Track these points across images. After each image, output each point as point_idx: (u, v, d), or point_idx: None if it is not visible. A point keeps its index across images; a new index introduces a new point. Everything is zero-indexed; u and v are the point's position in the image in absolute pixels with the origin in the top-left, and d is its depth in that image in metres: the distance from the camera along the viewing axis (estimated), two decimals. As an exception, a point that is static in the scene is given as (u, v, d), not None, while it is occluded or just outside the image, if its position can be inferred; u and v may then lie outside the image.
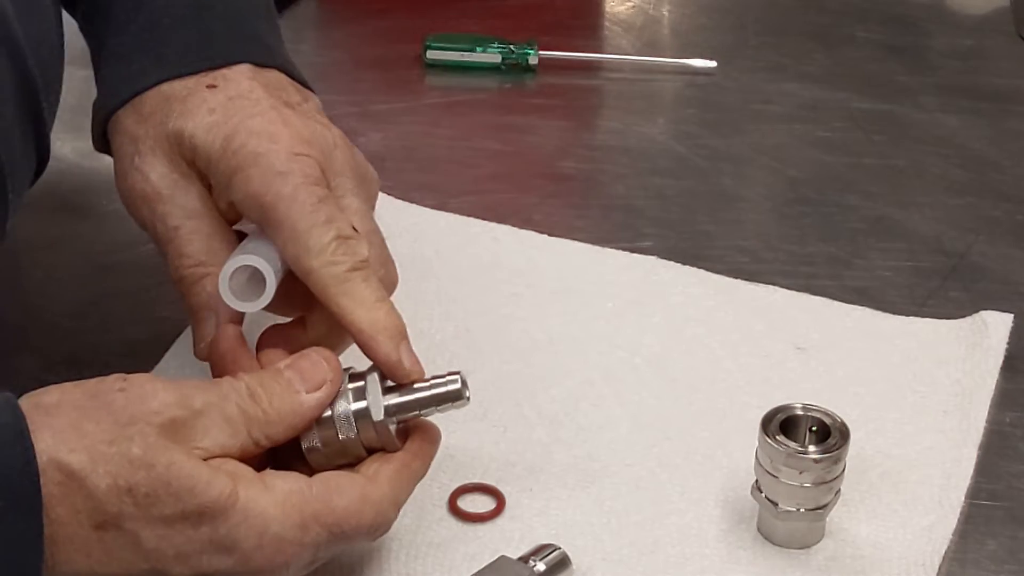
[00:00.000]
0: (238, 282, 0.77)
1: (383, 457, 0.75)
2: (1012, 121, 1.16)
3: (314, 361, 0.74)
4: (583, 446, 0.87)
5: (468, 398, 0.75)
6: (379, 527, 0.73)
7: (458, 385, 0.75)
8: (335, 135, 0.82)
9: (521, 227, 1.02)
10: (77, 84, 1.15)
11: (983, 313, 0.94)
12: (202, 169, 0.81)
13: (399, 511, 0.74)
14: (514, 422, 0.88)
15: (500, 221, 1.02)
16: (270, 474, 0.71)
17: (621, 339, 0.94)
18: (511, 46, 1.20)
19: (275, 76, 0.84)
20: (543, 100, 1.18)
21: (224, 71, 0.83)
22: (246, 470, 0.71)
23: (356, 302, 0.76)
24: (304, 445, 0.74)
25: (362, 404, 0.74)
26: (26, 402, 0.68)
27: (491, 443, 0.87)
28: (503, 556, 0.78)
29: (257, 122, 0.79)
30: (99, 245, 1.00)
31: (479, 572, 0.78)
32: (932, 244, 1.04)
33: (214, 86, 0.82)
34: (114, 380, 0.70)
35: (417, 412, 0.75)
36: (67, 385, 0.70)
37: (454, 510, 0.83)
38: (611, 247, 1.01)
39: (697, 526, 0.82)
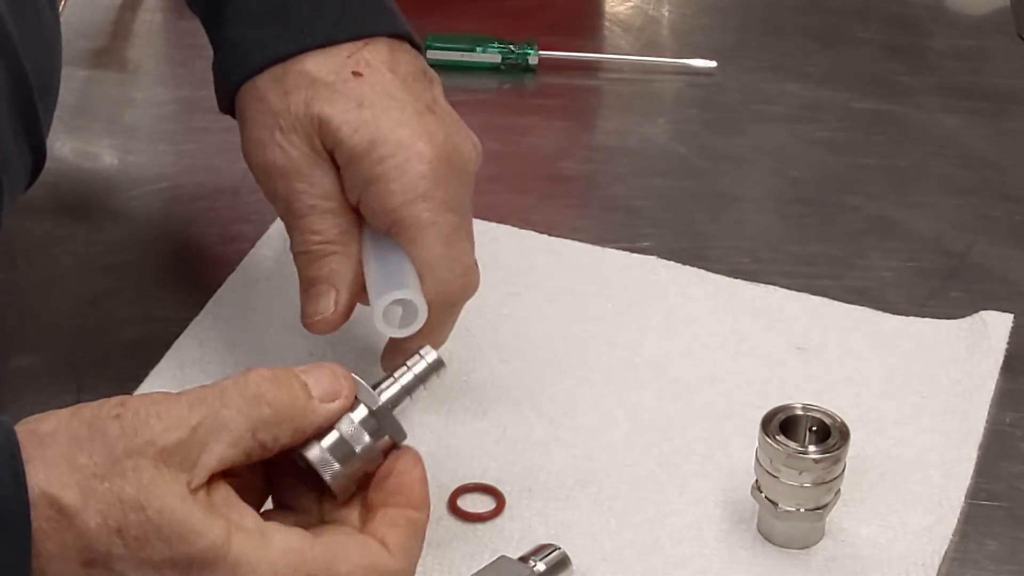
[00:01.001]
0: (389, 308, 0.80)
1: (389, 520, 0.71)
2: (1012, 121, 1.16)
3: (331, 373, 0.72)
4: (583, 446, 0.87)
5: (445, 364, 0.75)
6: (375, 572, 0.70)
7: (435, 355, 0.74)
8: (463, 136, 0.84)
9: (521, 227, 1.02)
10: (77, 84, 1.15)
11: (983, 313, 0.94)
12: (340, 161, 0.82)
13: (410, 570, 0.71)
14: (514, 422, 0.88)
15: (500, 221, 1.02)
16: (272, 527, 0.68)
17: (621, 339, 0.93)
18: (511, 46, 1.20)
19: (407, 59, 0.85)
20: (543, 100, 1.18)
21: (365, 53, 0.83)
22: (247, 517, 0.68)
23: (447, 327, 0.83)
24: (322, 470, 0.71)
25: (360, 407, 0.72)
26: (22, 428, 0.67)
27: (491, 443, 0.87)
28: (503, 556, 0.78)
29: (405, 133, 0.81)
30: (99, 245, 1.00)
31: (479, 572, 0.78)
32: (932, 244, 1.03)
33: (359, 74, 0.82)
34: (112, 406, 0.68)
35: (408, 395, 0.74)
36: (64, 412, 0.68)
37: (454, 510, 0.83)
38: (611, 247, 1.01)
39: (697, 526, 0.82)
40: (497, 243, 1.00)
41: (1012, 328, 0.93)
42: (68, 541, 0.66)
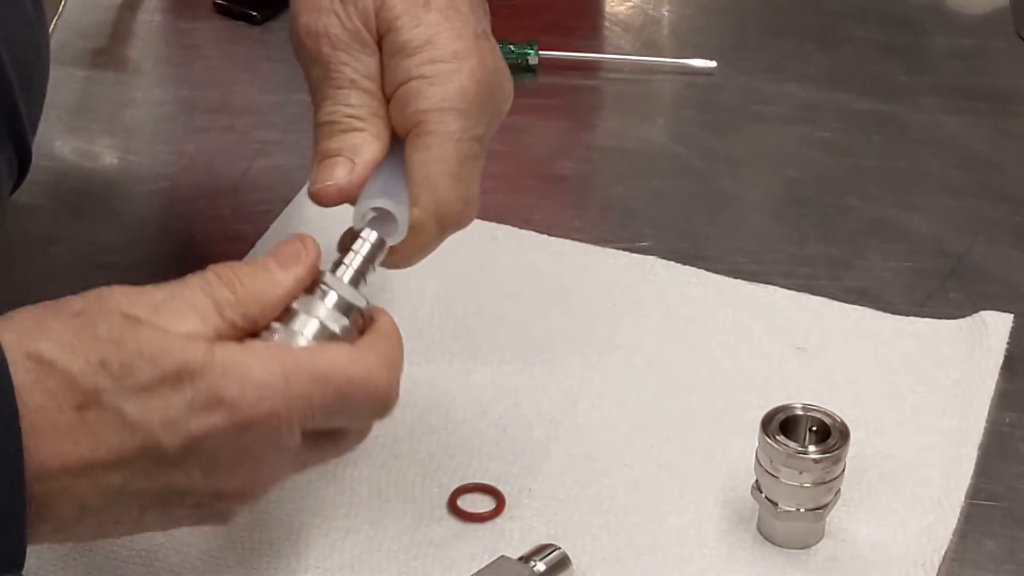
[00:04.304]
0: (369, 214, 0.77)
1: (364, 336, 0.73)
2: (1012, 121, 1.16)
3: (289, 243, 0.73)
4: (582, 446, 0.87)
5: (402, 231, 0.76)
6: (375, 390, 0.71)
7: (375, 235, 0.75)
8: (505, 74, 0.82)
9: (520, 227, 1.02)
10: (77, 84, 1.15)
11: (983, 313, 0.94)
12: (387, 50, 0.80)
13: (396, 379, 0.72)
14: (513, 422, 0.88)
15: (499, 221, 1.02)
16: (249, 340, 0.70)
17: (620, 339, 0.94)
18: (511, 46, 1.20)
19: None
20: (543, 100, 1.18)
21: None
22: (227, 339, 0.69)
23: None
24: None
25: (331, 293, 0.73)
26: None
27: (491, 443, 0.87)
28: (503, 556, 0.78)
29: (462, 46, 0.79)
30: (98, 245, 1.00)
31: (479, 572, 0.78)
32: (932, 245, 1.04)
33: None
34: (69, 297, 0.69)
35: (372, 264, 0.75)
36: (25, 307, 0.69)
37: (454, 510, 0.83)
38: (610, 247, 1.01)
39: (697, 526, 0.82)
40: (497, 243, 1.00)
41: (1012, 328, 0.93)
42: (53, 388, 0.66)
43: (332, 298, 0.72)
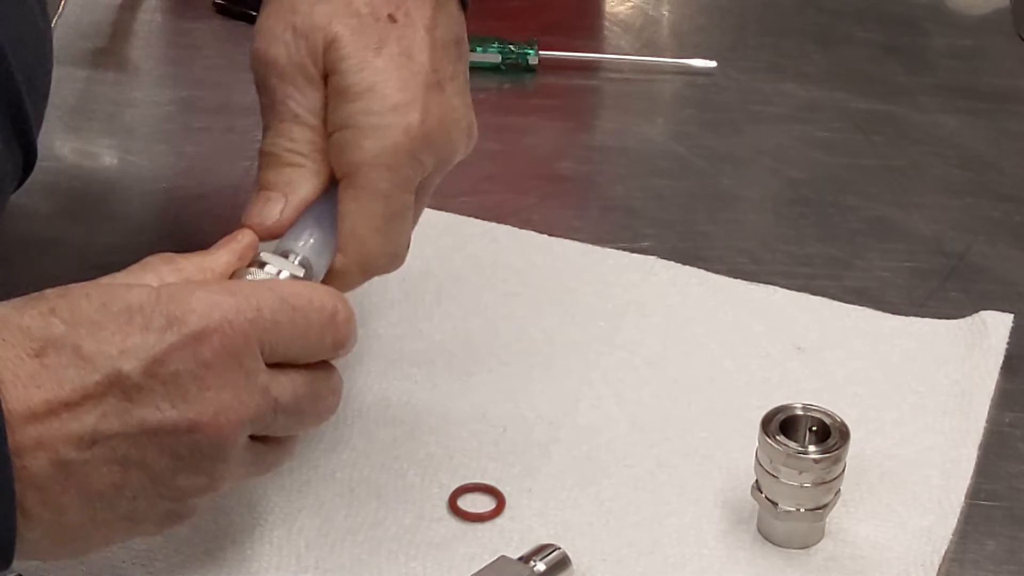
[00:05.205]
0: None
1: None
2: (1012, 121, 1.16)
3: (230, 235, 0.77)
4: (582, 446, 0.87)
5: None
6: (323, 306, 0.73)
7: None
8: (459, 124, 0.81)
9: (520, 227, 1.02)
10: (77, 84, 1.15)
11: (983, 313, 0.94)
12: (331, 89, 0.79)
13: (346, 303, 0.74)
14: (513, 422, 0.88)
15: (499, 221, 1.02)
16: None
17: (620, 339, 0.94)
18: (511, 46, 1.20)
19: (449, 23, 0.81)
20: (543, 100, 1.18)
21: (408, 2, 0.80)
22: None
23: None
24: None
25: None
26: None
27: (490, 443, 0.87)
28: (503, 556, 0.78)
29: (403, 99, 0.78)
30: (97, 246, 1.00)
31: (479, 572, 0.78)
32: (931, 245, 1.04)
33: (394, 20, 0.79)
34: None
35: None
36: None
37: (454, 510, 0.83)
38: (610, 247, 1.01)
39: (696, 526, 0.82)
40: (497, 243, 1.00)
41: (1012, 328, 0.93)
42: (9, 338, 0.67)
43: (271, 270, 0.75)
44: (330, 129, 0.79)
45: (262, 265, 0.75)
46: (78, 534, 0.69)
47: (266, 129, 0.80)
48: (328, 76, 0.79)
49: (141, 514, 0.70)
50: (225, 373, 0.69)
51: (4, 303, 0.69)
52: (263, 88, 0.81)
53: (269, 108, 0.80)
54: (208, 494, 0.71)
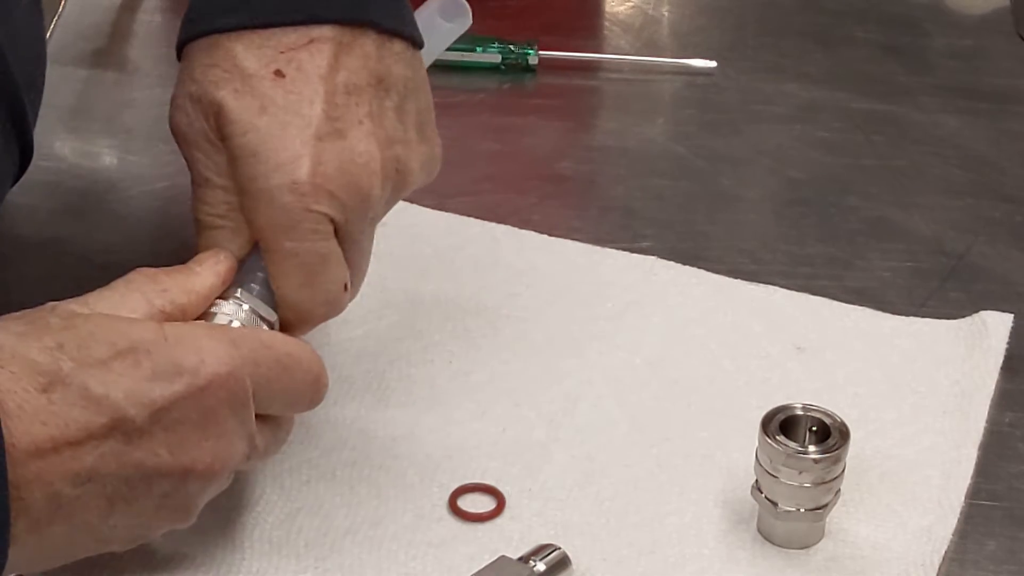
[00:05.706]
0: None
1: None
2: (1012, 121, 1.16)
3: (206, 253, 0.78)
4: (582, 446, 0.87)
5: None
6: (310, 365, 0.75)
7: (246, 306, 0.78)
8: (369, 166, 0.79)
9: (520, 227, 1.02)
10: (77, 84, 1.15)
11: (983, 313, 0.94)
12: (227, 154, 0.79)
13: (324, 368, 0.76)
14: (513, 422, 0.88)
15: (499, 221, 1.02)
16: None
17: (620, 339, 0.93)
18: (511, 46, 1.20)
19: (357, 64, 0.79)
20: (542, 100, 1.18)
21: (303, 54, 0.78)
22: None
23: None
24: None
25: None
26: None
27: (490, 443, 0.87)
28: (503, 556, 0.78)
29: (287, 157, 0.77)
30: (97, 245, 1.00)
31: (479, 572, 0.78)
32: (932, 245, 1.04)
33: (282, 76, 0.78)
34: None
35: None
36: None
37: (454, 510, 0.83)
38: (610, 247, 1.01)
39: (696, 526, 0.82)
40: (496, 243, 1.00)
41: (1012, 328, 0.93)
42: (16, 370, 0.67)
43: (247, 308, 0.77)
44: (237, 193, 0.79)
45: (240, 303, 0.77)
46: (52, 554, 0.70)
47: (191, 193, 0.81)
48: (223, 141, 0.79)
49: (115, 538, 0.72)
50: (224, 423, 0.71)
51: (3, 326, 0.69)
52: (182, 154, 0.82)
53: (190, 172, 0.81)
54: (179, 527, 0.74)
